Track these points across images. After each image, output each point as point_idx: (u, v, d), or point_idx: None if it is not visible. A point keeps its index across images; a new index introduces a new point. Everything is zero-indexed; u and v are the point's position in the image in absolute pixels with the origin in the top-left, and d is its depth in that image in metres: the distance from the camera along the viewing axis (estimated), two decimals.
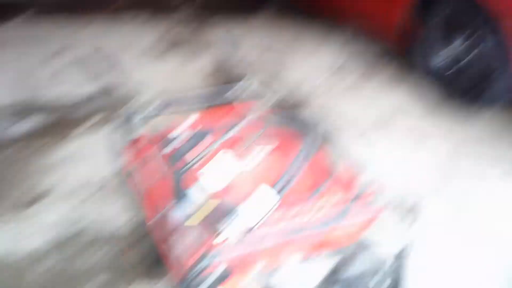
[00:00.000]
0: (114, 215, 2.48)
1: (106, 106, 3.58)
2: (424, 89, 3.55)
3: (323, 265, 1.45)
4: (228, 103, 2.00)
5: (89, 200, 2.60)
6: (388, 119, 3.33)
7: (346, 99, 3.64)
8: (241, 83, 2.01)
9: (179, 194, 1.38)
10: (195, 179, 1.53)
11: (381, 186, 1.42)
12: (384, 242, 1.48)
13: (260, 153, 1.59)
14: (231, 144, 1.64)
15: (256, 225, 1.30)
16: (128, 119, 1.77)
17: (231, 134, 1.57)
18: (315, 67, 4.17)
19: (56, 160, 2.98)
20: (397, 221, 1.42)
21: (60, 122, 3.39)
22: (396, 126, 3.25)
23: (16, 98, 3.69)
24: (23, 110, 3.54)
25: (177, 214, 1.32)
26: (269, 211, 1.32)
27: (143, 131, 1.72)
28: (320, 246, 1.37)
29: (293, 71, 4.08)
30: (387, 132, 3.18)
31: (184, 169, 1.52)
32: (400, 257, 1.44)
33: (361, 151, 2.63)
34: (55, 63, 4.21)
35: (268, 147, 1.59)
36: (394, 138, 3.12)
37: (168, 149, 1.65)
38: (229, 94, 2.04)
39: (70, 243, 2.32)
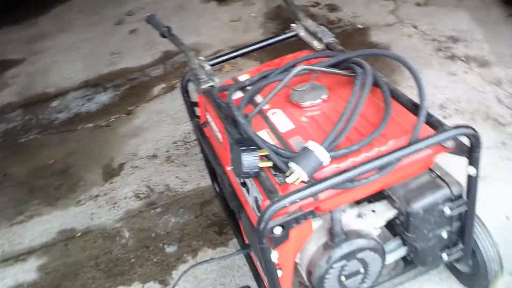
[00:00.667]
0: (182, 183, 2.52)
1: (169, 72, 3.62)
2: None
3: (395, 197, 1.43)
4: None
5: (159, 169, 2.65)
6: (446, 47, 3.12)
7: (403, 29, 3.44)
8: (293, 26, 1.92)
9: (251, 137, 1.32)
10: (265, 122, 1.48)
11: (440, 122, 1.30)
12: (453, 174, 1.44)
13: (312, 103, 1.50)
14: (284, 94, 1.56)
15: (325, 162, 1.22)
16: (194, 74, 1.73)
17: (283, 84, 1.48)
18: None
19: (128, 131, 3.05)
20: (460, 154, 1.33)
21: (128, 95, 3.46)
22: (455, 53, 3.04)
23: (88, 74, 3.81)
24: (94, 86, 3.65)
25: (250, 158, 1.26)
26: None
27: (210, 83, 1.68)
28: (388, 178, 1.28)
29: (347, 7, 3.91)
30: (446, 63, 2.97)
31: (253, 112, 1.46)
32: (471, 186, 1.38)
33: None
34: (118, 36, 4.30)
35: (321, 95, 1.50)
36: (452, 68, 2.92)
37: (236, 95, 1.60)
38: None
39: (144, 214, 2.37)
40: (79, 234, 2.35)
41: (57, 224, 2.45)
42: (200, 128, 1.90)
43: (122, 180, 2.65)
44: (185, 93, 1.94)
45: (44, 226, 2.45)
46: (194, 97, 1.92)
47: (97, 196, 2.58)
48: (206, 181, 2.46)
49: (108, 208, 2.47)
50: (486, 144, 2.26)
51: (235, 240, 2.08)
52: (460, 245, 1.51)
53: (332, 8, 3.98)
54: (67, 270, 2.17)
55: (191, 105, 1.97)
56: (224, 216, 2.20)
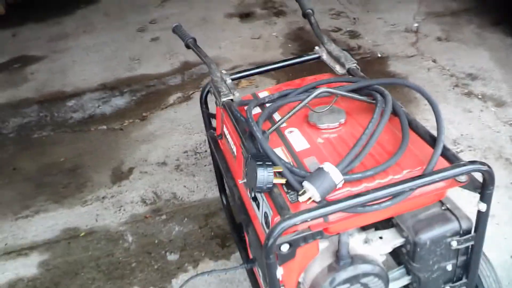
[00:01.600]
0: (189, 192, 2.53)
1: (186, 82, 3.66)
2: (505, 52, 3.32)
3: (404, 226, 1.43)
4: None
5: (168, 177, 2.67)
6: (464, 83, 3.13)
7: (422, 62, 3.46)
8: (316, 49, 1.95)
9: (267, 153, 1.33)
10: (281, 139, 1.50)
11: (456, 156, 1.32)
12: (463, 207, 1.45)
13: (329, 125, 1.51)
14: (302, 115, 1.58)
15: (339, 184, 1.23)
16: (215, 87, 1.76)
17: (304, 104, 1.50)
18: (390, 30, 4.00)
19: (140, 137, 3.08)
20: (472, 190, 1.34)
21: (144, 101, 3.49)
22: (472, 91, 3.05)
23: (106, 77, 3.86)
24: (111, 89, 3.69)
25: (265, 173, 1.27)
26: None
27: (230, 96, 1.70)
28: (400, 206, 1.28)
29: (368, 35, 3.95)
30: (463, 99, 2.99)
31: (271, 129, 1.48)
32: (480, 222, 1.37)
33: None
34: (139, 42, 4.36)
35: (339, 119, 1.51)
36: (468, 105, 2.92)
37: (255, 111, 1.62)
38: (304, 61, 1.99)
39: (148, 220, 2.38)
40: (83, 234, 2.36)
41: (62, 222, 2.46)
42: (215, 140, 1.92)
43: (130, 184, 2.67)
44: (204, 103, 1.97)
45: (49, 222, 2.47)
46: (212, 108, 1.95)
47: (104, 197, 2.59)
48: (213, 192, 2.48)
49: (114, 210, 2.49)
50: (496, 183, 2.24)
51: (237, 254, 2.08)
52: (464, 279, 1.50)
53: (354, 35, 4.02)
54: (68, 268, 2.18)
55: (208, 116, 1.99)
56: (229, 229, 2.21)
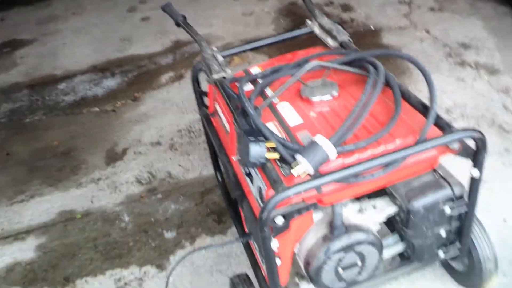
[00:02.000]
0: (184, 171, 2.53)
1: (178, 61, 3.62)
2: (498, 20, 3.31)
3: (397, 194, 1.45)
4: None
5: (162, 156, 2.66)
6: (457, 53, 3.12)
7: (415, 33, 3.44)
8: (308, 23, 1.93)
9: (260, 129, 1.33)
10: (274, 114, 1.49)
11: (448, 124, 1.32)
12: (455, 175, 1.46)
13: (322, 99, 1.51)
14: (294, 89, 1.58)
15: (331, 156, 1.23)
16: (206, 64, 1.75)
17: (296, 78, 1.49)
18: (383, 2, 3.96)
19: (133, 117, 3.06)
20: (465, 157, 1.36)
21: (135, 81, 3.46)
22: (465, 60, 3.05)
23: (97, 59, 3.81)
24: (102, 71, 3.65)
25: (258, 148, 1.27)
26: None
27: (222, 74, 1.69)
28: (393, 175, 1.30)
29: (361, 8, 3.92)
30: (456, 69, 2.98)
31: (263, 104, 1.47)
32: (472, 188, 1.40)
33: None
34: (130, 23, 4.31)
35: (331, 92, 1.50)
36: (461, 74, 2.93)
37: (247, 87, 1.61)
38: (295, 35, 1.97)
39: (144, 200, 2.39)
40: (79, 216, 2.37)
41: (57, 205, 2.46)
42: (207, 118, 1.92)
43: (125, 165, 2.66)
44: (196, 82, 1.95)
45: (45, 206, 2.46)
46: (204, 86, 1.93)
47: (98, 179, 2.59)
48: (208, 170, 2.48)
49: (109, 191, 2.48)
50: (490, 150, 2.25)
51: (233, 229, 2.09)
52: (457, 244, 1.53)
53: (346, 8, 3.98)
54: (65, 250, 2.18)
55: (200, 94, 1.98)
56: (224, 206, 2.21)
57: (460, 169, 1.45)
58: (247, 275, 1.55)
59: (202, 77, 1.85)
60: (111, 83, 3.49)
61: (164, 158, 2.65)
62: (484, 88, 2.76)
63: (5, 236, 2.32)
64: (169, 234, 2.16)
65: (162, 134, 2.85)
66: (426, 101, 1.39)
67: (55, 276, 2.06)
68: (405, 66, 3.00)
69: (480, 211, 1.52)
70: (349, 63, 1.58)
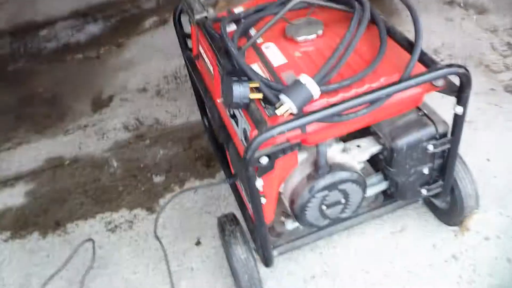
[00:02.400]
0: (172, 117, 2.52)
1: (161, 5, 3.53)
2: None
3: (381, 133, 1.46)
4: None
5: (149, 103, 2.64)
6: None
7: None
8: None
9: (243, 69, 1.31)
10: (258, 55, 1.47)
11: (433, 61, 1.31)
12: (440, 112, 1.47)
13: (307, 38, 1.47)
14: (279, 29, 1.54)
15: (315, 95, 1.23)
16: (187, 4, 1.70)
17: (279, 16, 1.46)
18: None
19: (118, 64, 3.01)
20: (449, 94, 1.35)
21: (119, 27, 3.38)
22: None
23: (78, 3, 3.69)
24: (83, 16, 3.55)
25: (241, 89, 1.26)
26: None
27: (204, 14, 1.65)
28: (377, 114, 1.30)
29: None
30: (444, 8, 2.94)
31: (247, 45, 1.44)
32: (456, 125, 1.39)
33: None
34: None
35: (316, 30, 1.48)
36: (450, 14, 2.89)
37: (231, 28, 1.58)
38: None
39: (132, 146, 2.39)
40: (67, 162, 2.37)
41: (45, 152, 2.46)
42: (191, 61, 1.89)
43: (111, 111, 2.64)
44: (178, 23, 1.90)
45: (32, 153, 2.46)
46: (187, 29, 1.89)
47: (85, 126, 2.58)
48: (195, 116, 2.47)
49: (97, 138, 2.48)
50: (476, 90, 2.25)
51: (221, 173, 2.11)
52: (440, 182, 1.55)
53: None
54: (55, 196, 2.20)
55: (183, 37, 1.94)
56: (212, 150, 2.23)
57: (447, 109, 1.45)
58: (234, 215, 1.59)
59: (186, 20, 1.81)
60: (93, 28, 3.40)
61: (151, 105, 2.63)
62: (472, 28, 2.73)
63: None
64: (158, 178, 2.18)
65: (148, 80, 2.81)
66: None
67: (46, 220, 2.09)
68: (394, 7, 2.94)
69: (464, 150, 1.53)
70: (334, 0, 1.55)
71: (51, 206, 2.15)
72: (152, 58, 2.98)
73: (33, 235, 2.04)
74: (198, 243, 1.88)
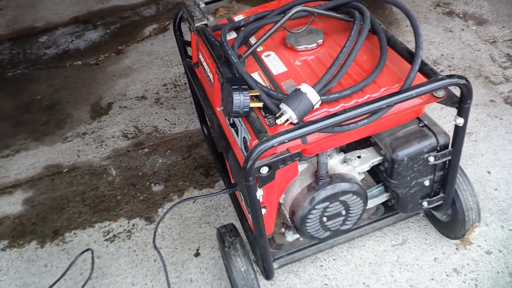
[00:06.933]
0: (171, 125, 2.51)
1: (161, 12, 3.53)
2: None
3: (382, 144, 1.45)
4: None
5: (148, 111, 2.64)
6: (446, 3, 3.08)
7: None
8: None
9: (243, 77, 1.31)
10: (258, 64, 1.47)
11: (434, 71, 1.31)
12: (440, 124, 1.46)
13: (307, 47, 1.48)
14: (279, 37, 1.54)
15: (316, 105, 1.22)
16: (188, 11, 1.70)
17: (279, 25, 1.46)
18: None
19: (117, 71, 3.01)
20: (450, 105, 1.34)
21: (119, 34, 3.38)
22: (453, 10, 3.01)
23: (78, 10, 3.70)
24: (83, 23, 3.55)
25: (241, 97, 1.25)
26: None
27: (204, 21, 1.64)
28: (377, 124, 1.29)
29: None
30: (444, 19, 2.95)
31: (247, 53, 1.44)
32: (457, 136, 1.39)
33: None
34: None
35: (317, 39, 1.47)
36: (449, 25, 2.89)
37: (231, 35, 1.58)
38: None
39: (131, 154, 2.38)
40: (65, 170, 2.36)
41: (44, 159, 2.44)
42: (191, 69, 1.88)
43: (110, 119, 2.63)
44: (178, 31, 1.90)
45: (31, 160, 2.45)
46: (187, 37, 1.88)
47: (84, 133, 2.56)
48: (194, 124, 2.46)
49: (95, 146, 2.47)
50: (475, 101, 2.28)
51: (221, 182, 2.10)
52: (441, 194, 1.54)
53: None
54: (53, 204, 2.19)
55: (183, 45, 1.93)
56: (211, 159, 2.22)
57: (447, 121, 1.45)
58: (233, 226, 1.57)
59: (186, 28, 1.80)
60: (93, 35, 3.40)
61: (150, 113, 2.62)
62: (471, 39, 2.73)
63: None
64: (157, 187, 2.17)
65: (147, 88, 2.81)
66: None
67: (44, 229, 2.08)
68: (393, 17, 2.95)
69: (465, 162, 1.53)
70: (334, 9, 1.55)
71: (49, 214, 2.13)
72: (151, 66, 2.98)
73: (31, 244, 2.02)
74: (197, 254, 1.86)
